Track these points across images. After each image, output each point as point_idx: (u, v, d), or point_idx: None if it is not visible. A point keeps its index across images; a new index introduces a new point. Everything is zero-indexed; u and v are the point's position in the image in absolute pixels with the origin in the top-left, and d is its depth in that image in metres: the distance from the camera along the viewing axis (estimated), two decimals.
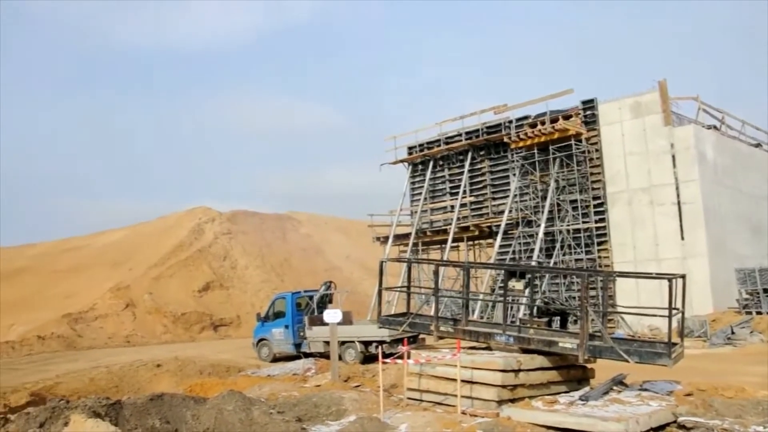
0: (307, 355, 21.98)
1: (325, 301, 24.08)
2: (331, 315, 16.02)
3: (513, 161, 30.00)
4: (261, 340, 24.33)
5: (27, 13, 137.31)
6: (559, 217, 28.04)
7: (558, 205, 28.02)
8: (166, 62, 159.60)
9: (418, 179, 34.70)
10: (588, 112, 28.12)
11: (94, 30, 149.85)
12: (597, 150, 27.74)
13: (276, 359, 23.30)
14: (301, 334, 23.06)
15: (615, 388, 11.26)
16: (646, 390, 11.23)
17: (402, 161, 35.03)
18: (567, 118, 27.83)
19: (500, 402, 10.28)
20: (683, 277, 10.82)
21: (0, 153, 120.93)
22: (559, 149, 27.80)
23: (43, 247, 55.94)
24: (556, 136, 27.49)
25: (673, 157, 25.99)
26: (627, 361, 10.26)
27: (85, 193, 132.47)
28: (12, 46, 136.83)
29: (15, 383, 18.88)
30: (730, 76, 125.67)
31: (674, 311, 10.23)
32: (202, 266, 43.25)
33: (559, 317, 12.90)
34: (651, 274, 15.60)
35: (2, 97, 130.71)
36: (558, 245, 27.82)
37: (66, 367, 21.94)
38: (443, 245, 31.86)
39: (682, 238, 25.51)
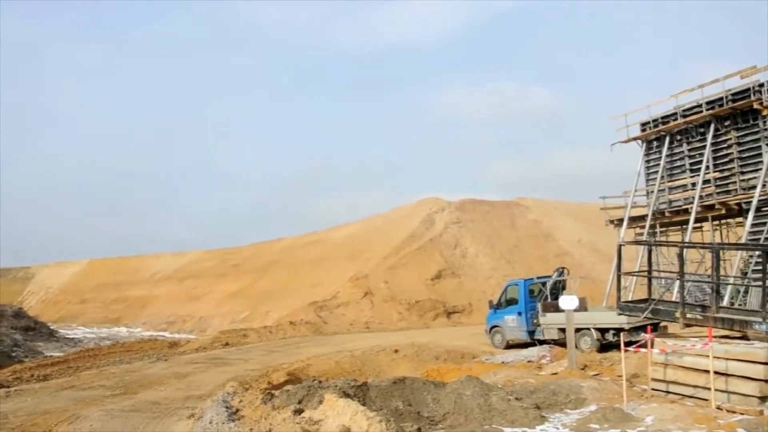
0: (540, 342, 21.70)
1: (558, 288, 23.55)
2: (567, 301, 15.67)
3: (765, 129, 26.87)
4: (494, 326, 24.42)
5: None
6: None
7: None
8: (374, 62, 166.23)
9: (653, 157, 32.45)
10: None
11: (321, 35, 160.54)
12: None
13: (509, 346, 23.27)
14: (535, 321, 22.78)
15: None
16: None
17: (634, 139, 32.96)
18: None
19: (763, 398, 9.32)
20: None
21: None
22: None
23: (288, 241, 61.69)
24: None
25: None
26: None
27: (318, 189, 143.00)
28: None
29: (275, 364, 20.96)
30: None
31: None
32: (434, 255, 44.48)
33: None
34: None
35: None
36: None
37: (314, 351, 23.86)
38: (684, 226, 29.49)
39: None
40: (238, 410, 11.71)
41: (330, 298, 39.37)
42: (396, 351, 22.40)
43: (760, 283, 12.01)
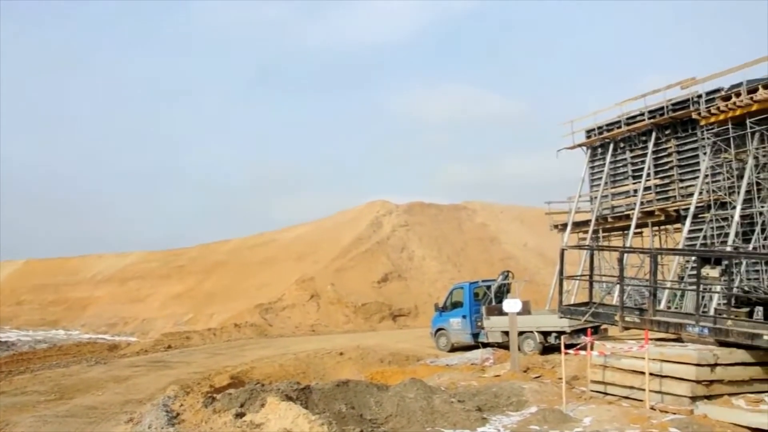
0: (484, 345, 21.89)
1: (502, 291, 23.81)
2: (511, 305, 15.83)
3: (703, 139, 27.70)
4: (439, 329, 24.56)
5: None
6: (758, 197, 25.48)
7: (757, 184, 25.44)
8: (337, 59, 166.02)
9: (597, 163, 33.18)
10: None
11: (284, 35, 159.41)
12: None
13: (454, 349, 23.43)
14: (479, 324, 22.98)
15: None
16: None
17: (580, 145, 33.66)
18: None
19: (694, 398, 9.58)
20: None
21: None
22: (759, 122, 25.17)
23: (235, 242, 60.89)
24: (754, 107, 24.89)
25: None
26: None
27: (272, 192, 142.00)
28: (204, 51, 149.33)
29: (217, 366, 20.63)
30: None
31: None
32: (381, 258, 44.54)
33: (761, 308, 11.74)
34: None
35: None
36: (758, 228, 25.31)
37: (259, 353, 23.58)
38: (625, 232, 30.24)
39: None
40: (178, 414, 11.47)
41: (276, 301, 39.03)
42: (341, 354, 22.32)
43: (695, 287, 12.33)
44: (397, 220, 49.73)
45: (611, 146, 32.13)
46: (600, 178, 32.39)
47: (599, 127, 32.69)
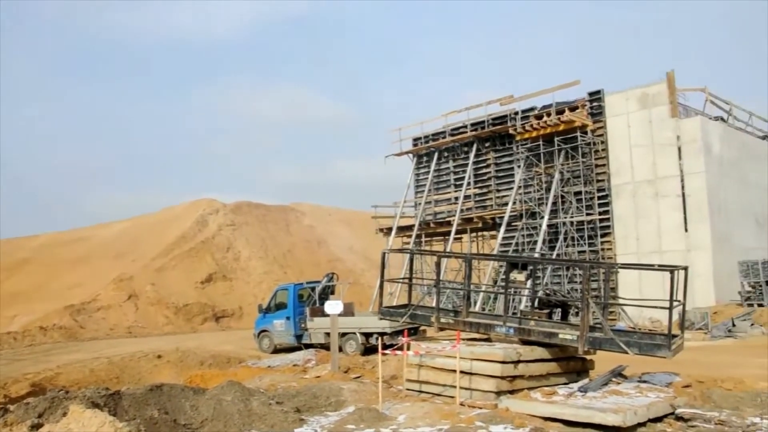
0: (308, 347, 21.96)
1: (327, 293, 24.06)
2: (332, 306, 15.98)
3: (518, 153, 29.88)
4: (262, 331, 24.34)
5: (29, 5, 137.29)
6: (563, 209, 27.92)
7: (562, 197, 27.90)
8: (168, 54, 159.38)
9: (422, 171, 34.62)
10: (594, 104, 27.94)
11: (97, 21, 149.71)
12: (602, 142, 27.58)
13: (277, 350, 23.32)
14: (303, 325, 23.05)
15: (614, 379, 11.19)
16: (645, 382, 11.16)
17: (407, 153, 34.94)
18: (573, 109, 27.68)
19: (499, 393, 10.23)
20: (685, 269, 10.73)
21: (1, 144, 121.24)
22: (565, 141, 27.66)
23: (46, 238, 56.03)
24: (561, 127, 27.32)
25: (679, 149, 25.82)
26: (626, 352, 10.19)
27: (88, 184, 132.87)
28: (14, 40, 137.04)
29: (16, 374, 18.95)
30: (737, 68, 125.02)
31: (675, 303, 10.15)
32: (206, 258, 43.31)
33: (560, 309, 12.81)
34: (653, 265, 15.52)
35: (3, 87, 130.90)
36: (561, 237, 27.71)
37: (67, 358, 21.99)
38: (446, 237, 31.80)
39: (686, 231, 25.38)
40: None
41: (89, 301, 36.55)
42: (159, 357, 21.41)
43: (504, 290, 13.19)
44: (223, 219, 48.61)
45: (436, 155, 33.69)
46: (424, 185, 33.83)
47: (426, 136, 34.16)
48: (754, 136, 31.43)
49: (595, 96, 27.95)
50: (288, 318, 23.60)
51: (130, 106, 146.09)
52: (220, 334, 32.92)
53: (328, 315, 16.68)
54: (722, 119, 29.51)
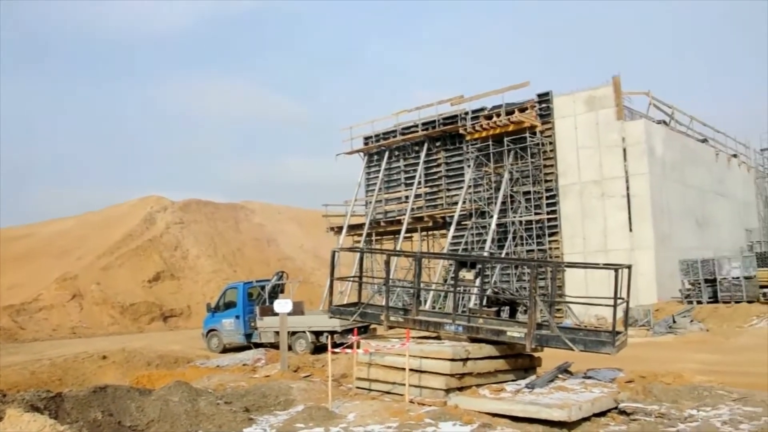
0: (257, 346, 21.79)
1: (277, 291, 23.91)
2: (281, 305, 15.87)
3: (468, 153, 30.21)
4: (211, 330, 24.05)
5: None
6: (512, 208, 28.33)
7: (511, 196, 28.31)
8: (116, 47, 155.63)
9: (373, 170, 34.68)
10: (543, 105, 28.43)
11: (42, 14, 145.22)
12: (551, 143, 28.08)
13: (226, 350, 23.06)
14: (252, 324, 22.87)
15: (560, 376, 11.43)
16: (590, 377, 11.43)
17: (358, 151, 34.96)
18: (522, 110, 28.11)
19: (448, 390, 10.33)
20: (629, 267, 11.00)
21: None
22: (514, 141, 28.08)
23: None
24: (511, 128, 27.73)
25: (624, 150, 26.48)
26: (572, 349, 10.40)
27: (27, 181, 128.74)
28: None
29: None
30: (680, 72, 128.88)
31: (619, 301, 10.39)
32: (153, 256, 42.47)
33: (508, 307, 12.99)
34: (598, 264, 15.86)
35: None
36: (510, 236, 28.12)
37: (6, 360, 21.22)
38: (397, 236, 31.93)
39: (631, 230, 26.05)
40: None
41: (30, 301, 35.37)
42: (104, 357, 20.90)
43: (453, 289, 13.32)
44: (171, 216, 47.73)
45: (387, 154, 33.79)
46: (375, 184, 33.91)
47: (377, 135, 34.24)
48: (695, 139, 32.48)
49: (544, 98, 28.45)
50: (237, 317, 23.38)
51: (74, 101, 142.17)
52: (168, 333, 32.34)
53: (277, 314, 16.58)
54: (665, 123, 30.39)
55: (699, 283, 23.92)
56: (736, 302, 22.86)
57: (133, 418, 10.51)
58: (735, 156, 36.73)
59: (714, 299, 23.48)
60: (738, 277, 23.21)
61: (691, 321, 21.61)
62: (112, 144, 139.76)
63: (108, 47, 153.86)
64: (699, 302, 23.63)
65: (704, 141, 33.34)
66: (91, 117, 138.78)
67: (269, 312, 21.55)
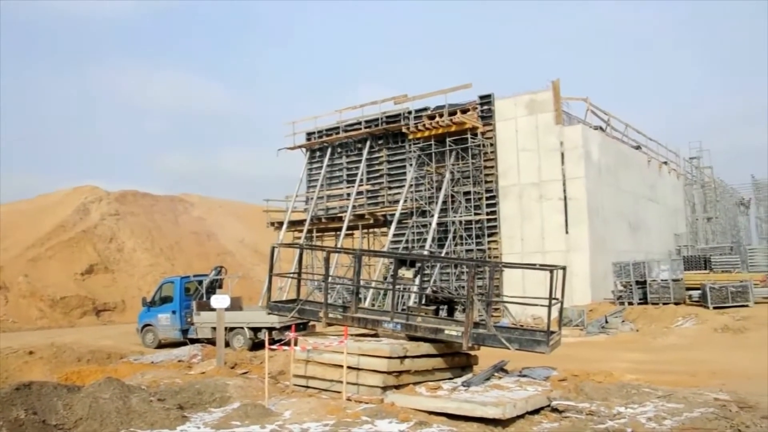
0: (194, 342, 21.42)
1: (215, 286, 23.56)
2: (219, 300, 15.66)
3: (410, 152, 30.35)
4: (146, 325, 23.56)
5: None
6: (452, 208, 28.62)
7: (452, 196, 28.59)
8: (47, 28, 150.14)
9: (315, 166, 34.50)
10: (485, 107, 28.77)
11: None
12: (492, 144, 28.45)
13: (162, 346, 22.62)
14: (189, 319, 22.49)
15: (496, 374, 11.62)
16: (524, 376, 11.66)
17: (300, 147, 34.72)
18: (465, 111, 28.40)
19: (385, 388, 10.37)
20: (563, 268, 11.25)
21: None
22: (456, 142, 28.37)
23: None
24: (453, 128, 28.00)
25: (562, 154, 27.05)
26: (508, 348, 10.59)
27: None
28: None
29: None
30: (617, 80, 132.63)
31: (554, 301, 10.63)
32: (86, 248, 41.26)
33: (446, 306, 13.11)
34: (534, 265, 16.19)
35: None
36: (450, 236, 28.42)
37: None
38: (338, 232, 31.86)
39: (567, 232, 26.65)
40: None
41: None
42: (31, 353, 20.09)
43: (392, 286, 13.37)
44: (107, 208, 46.43)
45: (329, 150, 33.67)
46: (317, 180, 33.75)
47: (319, 131, 34.08)
48: (629, 145, 33.49)
49: (486, 100, 28.81)
50: (174, 312, 22.94)
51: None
52: (100, 328, 31.51)
53: (214, 309, 16.35)
54: (601, 128, 31.21)
55: (630, 285, 24.66)
56: (664, 303, 23.66)
57: (59, 416, 10.16)
58: (666, 163, 38.10)
59: (644, 300, 24.26)
60: (666, 280, 24.02)
61: (623, 321, 22.29)
62: (39, 129, 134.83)
63: (37, 24, 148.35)
64: (630, 303, 24.38)
65: (638, 148, 34.42)
66: (22, 101, 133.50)
67: (206, 307, 21.20)
